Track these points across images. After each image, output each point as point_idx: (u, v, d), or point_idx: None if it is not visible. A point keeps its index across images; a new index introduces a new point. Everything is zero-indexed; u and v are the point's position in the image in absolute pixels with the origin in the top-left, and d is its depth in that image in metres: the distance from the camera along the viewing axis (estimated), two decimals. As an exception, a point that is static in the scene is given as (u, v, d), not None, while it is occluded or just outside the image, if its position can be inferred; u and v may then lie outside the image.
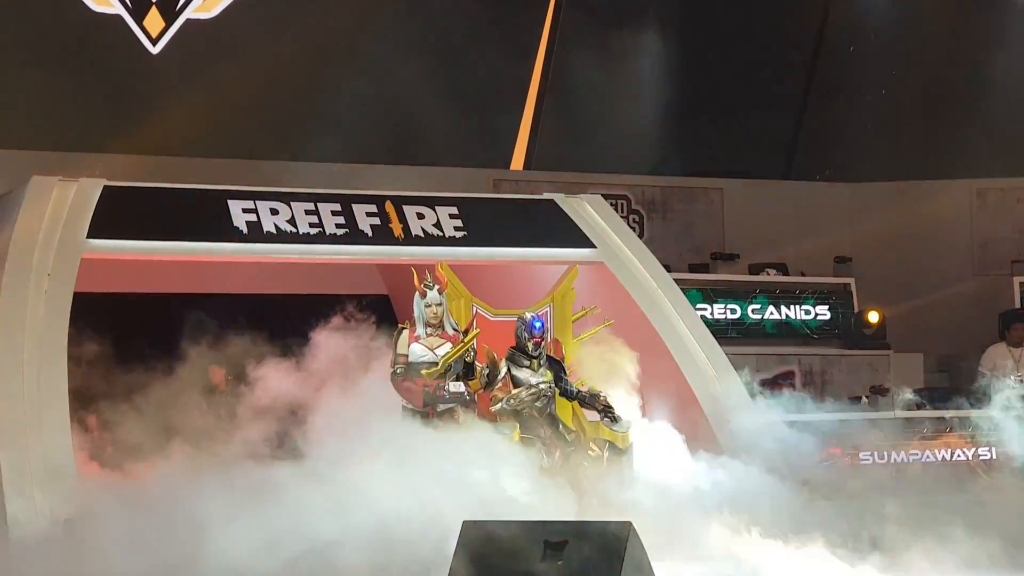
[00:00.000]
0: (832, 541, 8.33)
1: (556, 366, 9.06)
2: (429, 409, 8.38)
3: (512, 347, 8.96)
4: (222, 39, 13.42)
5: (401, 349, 8.56)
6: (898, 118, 15.18)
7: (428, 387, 8.36)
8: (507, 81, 14.78)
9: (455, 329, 8.65)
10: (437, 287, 8.70)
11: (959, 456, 11.41)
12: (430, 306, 8.59)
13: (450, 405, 8.37)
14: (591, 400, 8.97)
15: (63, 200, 9.52)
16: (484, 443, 8.17)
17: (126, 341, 11.17)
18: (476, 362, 8.72)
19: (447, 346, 8.49)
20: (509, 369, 8.87)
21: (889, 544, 8.49)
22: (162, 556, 7.16)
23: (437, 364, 8.41)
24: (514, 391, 8.73)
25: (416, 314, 8.71)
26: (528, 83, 14.77)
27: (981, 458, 11.37)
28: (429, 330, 8.60)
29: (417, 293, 8.70)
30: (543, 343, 9.03)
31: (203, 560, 7.13)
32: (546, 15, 14.81)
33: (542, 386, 8.79)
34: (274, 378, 9.35)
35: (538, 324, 9.09)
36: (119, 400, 11.09)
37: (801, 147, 15.33)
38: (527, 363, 8.87)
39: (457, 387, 8.45)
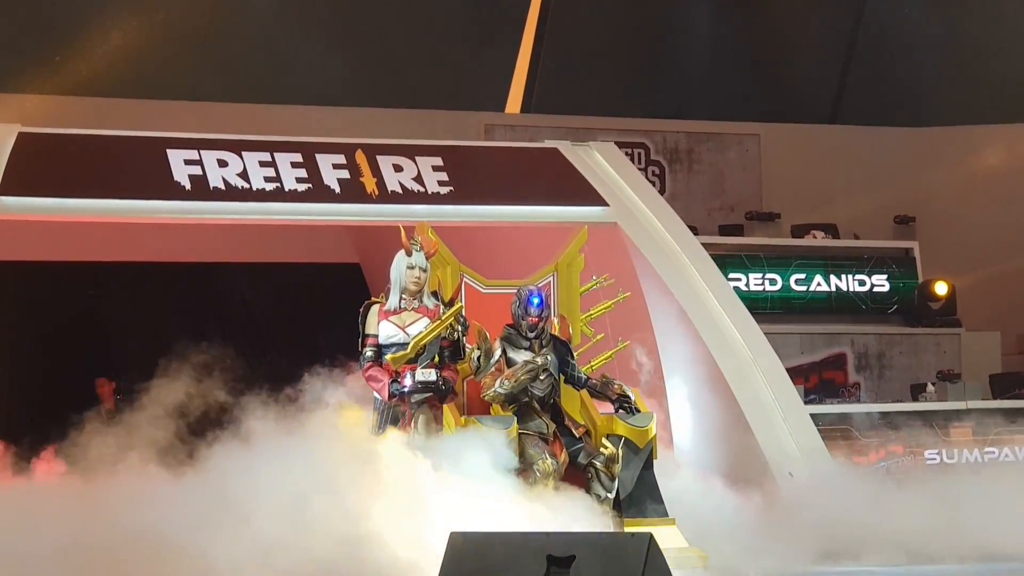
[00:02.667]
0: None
1: (562, 348, 8.97)
2: (400, 402, 8.33)
3: (508, 325, 8.96)
4: None
5: (370, 329, 8.47)
6: (966, 52, 15.24)
7: (396, 374, 8.29)
8: (502, 4, 14.74)
9: (435, 303, 8.53)
10: (425, 249, 8.55)
11: None
12: (413, 268, 8.46)
13: (424, 395, 8.32)
14: (603, 388, 8.95)
15: None
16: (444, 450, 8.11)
17: (43, 321, 11.36)
18: (467, 342, 8.68)
19: (423, 323, 8.39)
20: (504, 351, 8.83)
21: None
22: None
23: (407, 347, 8.32)
24: (508, 371, 8.74)
25: (393, 277, 8.56)
26: (527, 7, 14.74)
27: None
28: (405, 301, 8.50)
29: (401, 251, 8.56)
30: (542, 323, 8.94)
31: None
32: None
33: (539, 360, 8.78)
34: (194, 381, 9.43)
35: (536, 300, 8.94)
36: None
37: (850, 86, 15.40)
38: (525, 345, 8.87)
39: (426, 375, 8.34)
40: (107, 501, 8.11)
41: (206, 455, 8.37)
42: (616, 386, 8.95)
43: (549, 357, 8.83)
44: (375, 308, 8.46)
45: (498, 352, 8.75)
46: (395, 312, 8.39)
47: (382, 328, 8.37)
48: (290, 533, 6.98)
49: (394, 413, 8.32)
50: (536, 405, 8.77)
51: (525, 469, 8.51)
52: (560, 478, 8.72)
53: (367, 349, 8.38)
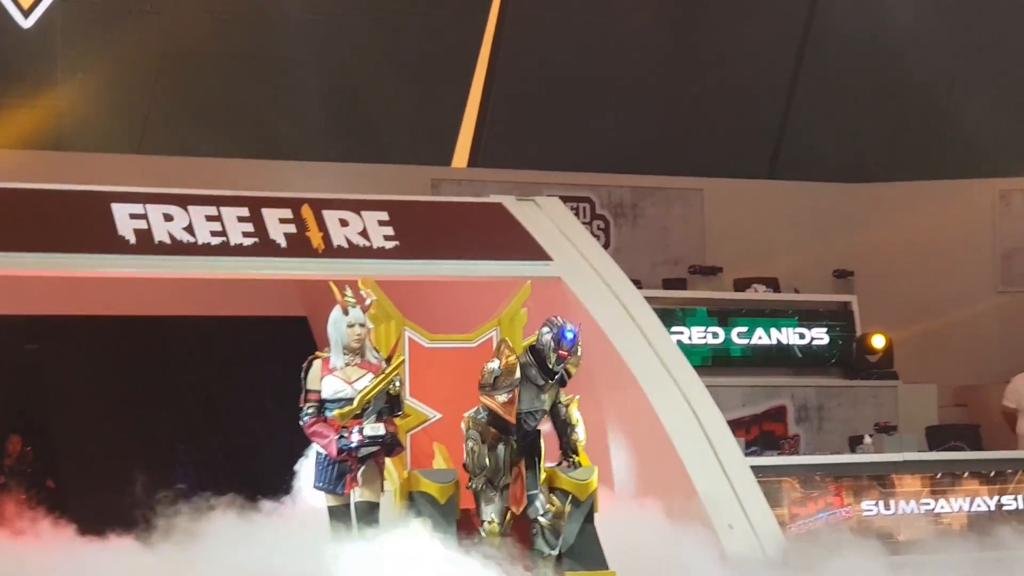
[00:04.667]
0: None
1: (560, 383, 8.61)
2: (347, 457, 8.22)
3: (529, 351, 8.56)
4: (108, 11, 13.38)
5: (312, 385, 8.34)
6: (904, 109, 15.28)
7: (340, 430, 8.19)
8: (450, 59, 14.66)
9: (377, 358, 8.44)
10: (363, 304, 8.46)
11: (979, 506, 11.55)
12: (353, 326, 8.33)
13: (372, 449, 8.21)
14: (570, 434, 8.65)
15: None
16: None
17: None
18: (402, 395, 8.53)
19: (368, 378, 8.27)
20: (520, 382, 8.49)
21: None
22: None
23: (353, 402, 8.21)
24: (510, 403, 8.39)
25: (333, 337, 8.41)
26: (474, 62, 14.71)
27: (1005, 508, 11.51)
28: (347, 357, 8.39)
29: (336, 309, 8.41)
30: (570, 359, 8.51)
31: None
32: None
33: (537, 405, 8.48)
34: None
35: (571, 335, 8.53)
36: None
37: (789, 141, 15.35)
38: (541, 382, 8.52)
39: (375, 429, 8.21)
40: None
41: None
42: (576, 436, 8.66)
43: (548, 400, 8.50)
44: (318, 363, 8.34)
45: (517, 375, 8.37)
46: (340, 369, 8.28)
47: (326, 383, 8.25)
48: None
49: (340, 468, 8.19)
50: (514, 439, 8.46)
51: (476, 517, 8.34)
52: (508, 531, 8.51)
53: (308, 405, 8.27)
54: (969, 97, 15.19)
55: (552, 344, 8.41)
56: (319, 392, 8.25)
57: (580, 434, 8.60)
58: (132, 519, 8.78)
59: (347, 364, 8.29)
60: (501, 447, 8.37)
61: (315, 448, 8.30)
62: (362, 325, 8.33)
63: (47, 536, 8.96)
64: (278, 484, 8.82)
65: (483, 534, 8.31)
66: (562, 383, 8.58)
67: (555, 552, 8.50)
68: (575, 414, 8.62)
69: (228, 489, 8.90)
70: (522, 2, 14.72)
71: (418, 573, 6.60)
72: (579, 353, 8.60)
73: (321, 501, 8.35)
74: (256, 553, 8.09)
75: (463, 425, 8.55)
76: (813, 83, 15.44)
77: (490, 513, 8.35)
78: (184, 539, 8.44)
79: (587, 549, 8.96)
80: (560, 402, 8.61)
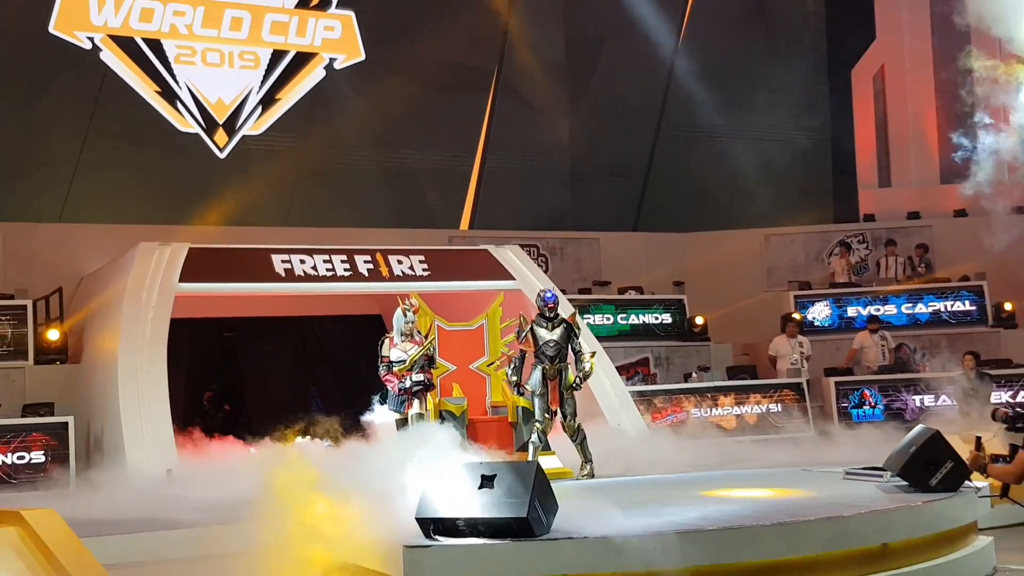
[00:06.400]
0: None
1: (569, 329, 8.29)
2: (404, 392, 8.30)
3: (538, 313, 8.43)
4: (265, 148, 13.51)
5: (385, 352, 8.44)
6: (692, 188, 15.23)
7: (401, 378, 8.30)
8: (459, 168, 14.62)
9: (419, 336, 8.51)
10: (413, 308, 8.61)
11: (756, 410, 11.75)
12: (410, 322, 8.44)
13: (417, 388, 8.27)
14: (579, 364, 8.31)
15: (161, 258, 9.69)
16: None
17: (206, 350, 11.45)
18: (435, 357, 8.58)
19: (415, 348, 8.37)
20: (532, 328, 8.25)
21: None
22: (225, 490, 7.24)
23: (406, 362, 8.32)
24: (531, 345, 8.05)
25: (396, 326, 8.53)
26: (472, 167, 14.66)
27: (771, 411, 11.70)
28: (403, 337, 8.44)
29: (400, 310, 8.52)
30: (556, 309, 8.27)
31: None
32: (486, 109, 14.62)
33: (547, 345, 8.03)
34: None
35: (549, 295, 8.44)
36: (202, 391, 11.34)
37: (644, 208, 15.29)
38: (545, 324, 8.30)
39: (418, 377, 8.28)
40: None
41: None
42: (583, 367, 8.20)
43: (559, 333, 8.26)
44: (387, 340, 8.47)
45: (528, 328, 8.22)
46: (399, 343, 8.42)
47: (393, 353, 8.38)
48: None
49: (401, 399, 8.33)
50: (547, 363, 8.18)
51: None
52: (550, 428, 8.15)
53: (382, 366, 8.38)
54: (748, 176, 15.20)
55: (541, 303, 8.43)
56: (388, 356, 8.40)
57: (586, 367, 8.30)
58: (283, 434, 8.86)
59: (403, 340, 8.43)
60: (538, 371, 8.27)
61: (388, 388, 8.47)
62: (411, 321, 8.46)
63: (230, 447, 9.07)
64: (366, 408, 8.89)
65: (538, 426, 8.18)
66: (570, 330, 8.27)
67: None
68: (586, 357, 8.34)
69: (340, 412, 9.10)
70: (498, 134, 14.61)
71: (443, 451, 6.47)
72: (569, 309, 8.60)
73: (391, 417, 8.52)
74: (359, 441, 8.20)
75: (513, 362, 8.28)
76: (661, 171, 15.19)
77: (541, 412, 8.20)
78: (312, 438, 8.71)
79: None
80: (576, 348, 8.30)
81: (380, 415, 8.65)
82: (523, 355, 8.40)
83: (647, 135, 15.35)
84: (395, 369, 8.35)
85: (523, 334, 8.34)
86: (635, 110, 15.17)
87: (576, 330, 8.37)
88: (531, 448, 8.24)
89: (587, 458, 8.25)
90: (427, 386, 8.40)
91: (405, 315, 8.48)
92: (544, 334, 8.26)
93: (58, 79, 12.50)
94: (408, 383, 8.29)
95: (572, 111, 15.23)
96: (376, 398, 8.71)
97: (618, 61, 15.23)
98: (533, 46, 14.85)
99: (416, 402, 8.32)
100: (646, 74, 15.32)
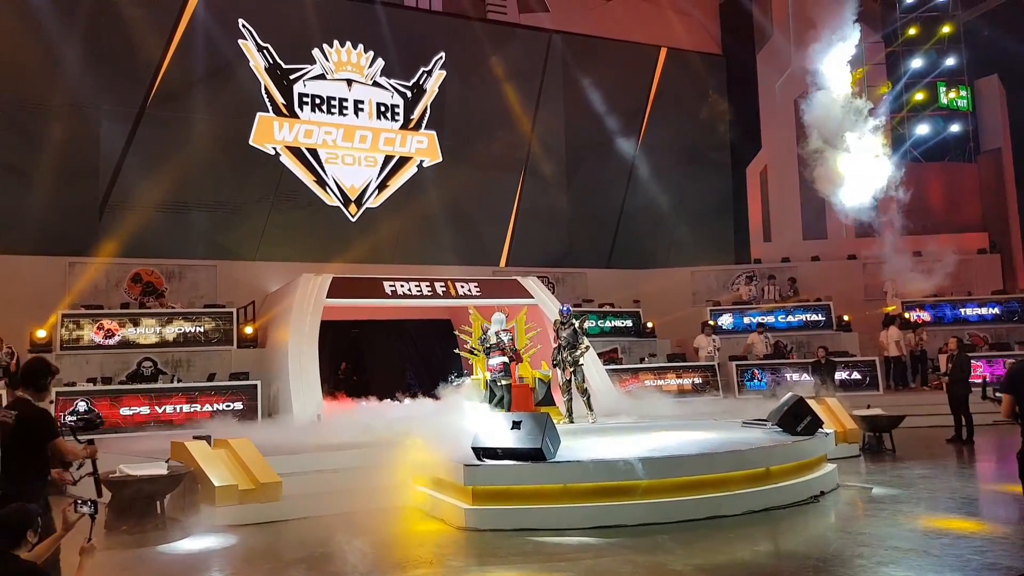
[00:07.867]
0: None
1: (575, 334, 7.98)
2: (493, 369, 8.01)
3: (558, 320, 8.14)
4: (382, 214, 13.42)
5: (486, 344, 8.19)
6: (658, 240, 14.81)
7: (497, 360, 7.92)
8: (500, 224, 14.37)
9: (509, 336, 7.94)
10: (504, 316, 8.30)
11: (686, 384, 11.67)
12: (502, 331, 8.09)
13: (501, 364, 7.97)
14: (575, 366, 7.99)
15: (315, 283, 9.74)
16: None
17: (341, 340, 11.31)
18: (516, 346, 8.24)
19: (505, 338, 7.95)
20: (557, 329, 8.07)
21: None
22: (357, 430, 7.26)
23: (483, 350, 8.08)
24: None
25: (493, 327, 8.22)
26: (508, 223, 14.36)
27: (682, 385, 11.56)
28: (496, 336, 8.11)
29: (497, 313, 8.26)
30: (570, 318, 7.97)
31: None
32: (518, 185, 14.20)
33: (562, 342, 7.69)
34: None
35: (566, 309, 8.15)
36: (341, 363, 11.11)
37: (617, 249, 14.93)
38: (563, 327, 8.05)
39: (499, 359, 8.00)
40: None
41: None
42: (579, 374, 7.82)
43: (570, 331, 7.95)
44: (484, 336, 8.12)
45: (554, 330, 7.91)
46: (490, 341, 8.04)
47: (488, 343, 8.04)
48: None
49: (495, 375, 7.99)
50: (565, 352, 7.89)
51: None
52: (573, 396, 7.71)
53: (486, 349, 8.09)
54: (682, 233, 14.77)
55: (561, 314, 8.23)
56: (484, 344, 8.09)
57: (583, 351, 7.94)
58: (392, 395, 8.86)
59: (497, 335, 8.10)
60: (558, 355, 8.05)
61: (489, 365, 8.12)
62: (502, 323, 8.25)
63: (360, 403, 8.83)
64: (444, 382, 8.69)
65: (564, 396, 8.04)
66: (576, 331, 7.91)
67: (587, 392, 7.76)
68: (583, 347, 7.99)
69: (424, 383, 9.15)
70: (529, 188, 14.11)
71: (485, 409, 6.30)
72: (579, 318, 8.12)
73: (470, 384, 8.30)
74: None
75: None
76: (626, 231, 15.05)
77: (567, 387, 7.98)
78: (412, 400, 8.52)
79: (548, 399, 9.08)
80: (580, 341, 7.98)
81: (464, 384, 8.40)
82: (558, 347, 8.27)
83: (615, 209, 15.27)
84: (479, 355, 8.04)
85: (557, 330, 8.13)
86: (608, 192, 15.12)
87: (580, 331, 8.22)
88: (563, 405, 8.12)
89: (591, 409, 8.11)
90: (505, 367, 8.02)
91: (500, 321, 8.25)
92: (562, 332, 8.16)
93: (255, 173, 12.75)
94: (495, 364, 7.96)
95: (569, 186, 15.12)
96: (453, 375, 8.69)
97: (600, 157, 15.19)
98: (547, 147, 14.87)
99: (480, 373, 8.29)
100: (617, 166, 15.25)
